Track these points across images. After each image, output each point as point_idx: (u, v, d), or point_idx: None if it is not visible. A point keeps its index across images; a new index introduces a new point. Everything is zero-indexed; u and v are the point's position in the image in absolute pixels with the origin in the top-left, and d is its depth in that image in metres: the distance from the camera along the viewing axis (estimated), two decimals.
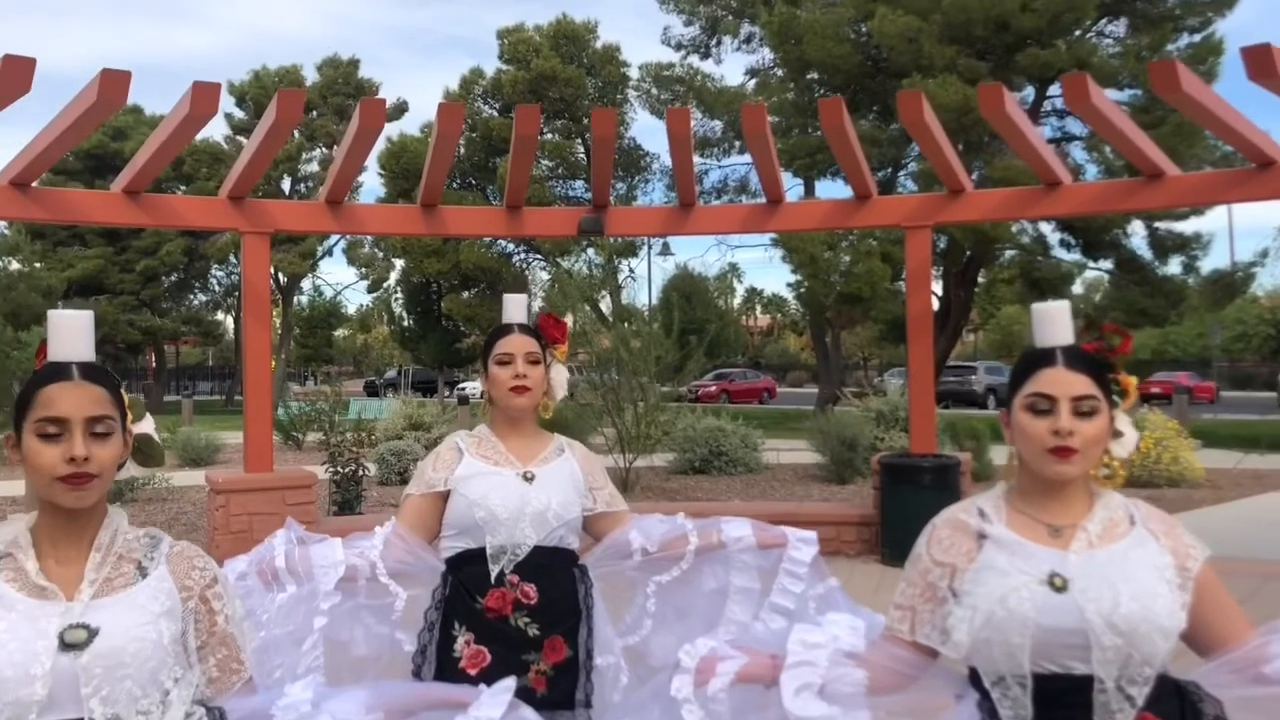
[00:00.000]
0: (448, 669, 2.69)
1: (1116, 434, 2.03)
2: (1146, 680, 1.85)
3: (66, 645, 1.70)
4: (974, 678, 1.99)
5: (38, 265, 38.02)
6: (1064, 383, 1.95)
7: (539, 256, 36.46)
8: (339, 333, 59.22)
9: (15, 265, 37.81)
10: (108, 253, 38.85)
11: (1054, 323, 2.05)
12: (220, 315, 48.12)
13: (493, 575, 2.74)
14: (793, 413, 29.58)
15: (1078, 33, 23.37)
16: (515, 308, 3.02)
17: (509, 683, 1.98)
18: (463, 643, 2.73)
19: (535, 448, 2.92)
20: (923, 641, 2.04)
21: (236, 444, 14.82)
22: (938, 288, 30.83)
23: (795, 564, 2.94)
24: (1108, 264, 26.93)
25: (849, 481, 13.80)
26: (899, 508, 8.23)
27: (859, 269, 25.65)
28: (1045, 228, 26.43)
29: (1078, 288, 47.58)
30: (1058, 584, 1.89)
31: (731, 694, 2.05)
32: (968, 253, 26.20)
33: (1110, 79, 22.00)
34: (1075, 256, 27.08)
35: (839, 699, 2.00)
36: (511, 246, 36.02)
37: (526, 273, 37.03)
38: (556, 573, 2.80)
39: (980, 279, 28.92)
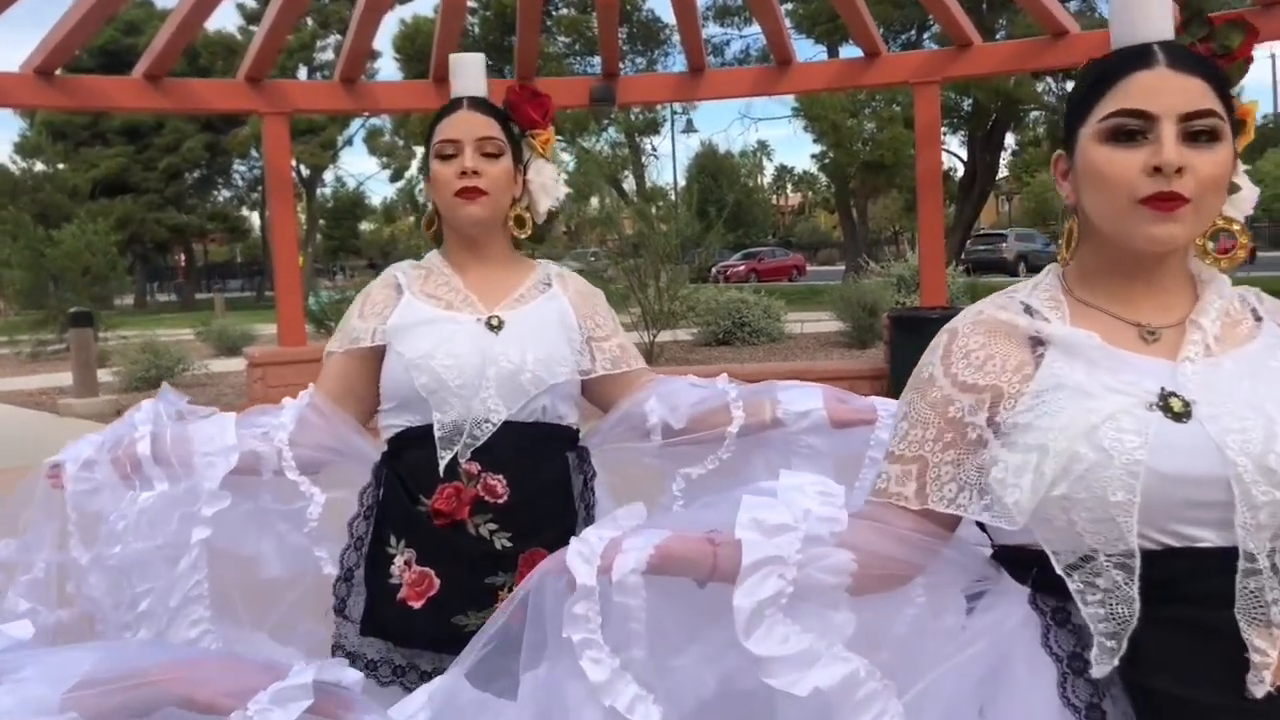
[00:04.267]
0: (382, 602, 1.92)
1: (1233, 187, 1.36)
2: None
3: None
4: (1013, 561, 1.33)
5: (61, 166, 38.31)
6: (1168, 91, 1.24)
7: (559, 137, 36.24)
8: (364, 225, 59.46)
9: (40, 166, 38.13)
10: (129, 151, 38.97)
11: (1144, 6, 1.31)
12: (245, 211, 48.41)
13: (441, 465, 1.90)
14: (820, 288, 29.70)
15: None
16: (466, 73, 2.10)
17: (308, 674, 1.15)
18: (401, 563, 1.92)
19: (507, 282, 2.06)
20: (939, 509, 1.33)
21: (269, 335, 15.22)
22: (963, 152, 30.51)
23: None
24: None
25: (870, 346, 14.03)
26: (908, 361, 8.44)
27: (882, 136, 25.45)
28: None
29: None
30: (1176, 408, 1.22)
31: (652, 590, 1.29)
32: (993, 116, 25.85)
33: None
34: None
35: (814, 595, 1.27)
36: None
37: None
38: (539, 458, 1.97)
39: (1010, 144, 28.60)
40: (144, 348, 14.32)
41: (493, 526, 1.90)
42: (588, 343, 2.08)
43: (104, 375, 13.97)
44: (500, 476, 1.91)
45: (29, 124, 38.41)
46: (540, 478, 1.96)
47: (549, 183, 2.12)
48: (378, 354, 2.00)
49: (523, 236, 2.11)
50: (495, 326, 1.98)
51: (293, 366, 8.24)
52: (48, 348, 21.35)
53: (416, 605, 1.89)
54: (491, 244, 2.07)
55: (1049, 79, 24.53)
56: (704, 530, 1.32)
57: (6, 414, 12.47)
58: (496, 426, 1.92)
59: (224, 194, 46.51)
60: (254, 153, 41.02)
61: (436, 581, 1.90)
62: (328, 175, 47.29)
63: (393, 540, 1.94)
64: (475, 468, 1.91)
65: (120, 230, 30.11)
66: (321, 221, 48.52)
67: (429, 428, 1.92)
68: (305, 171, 42.89)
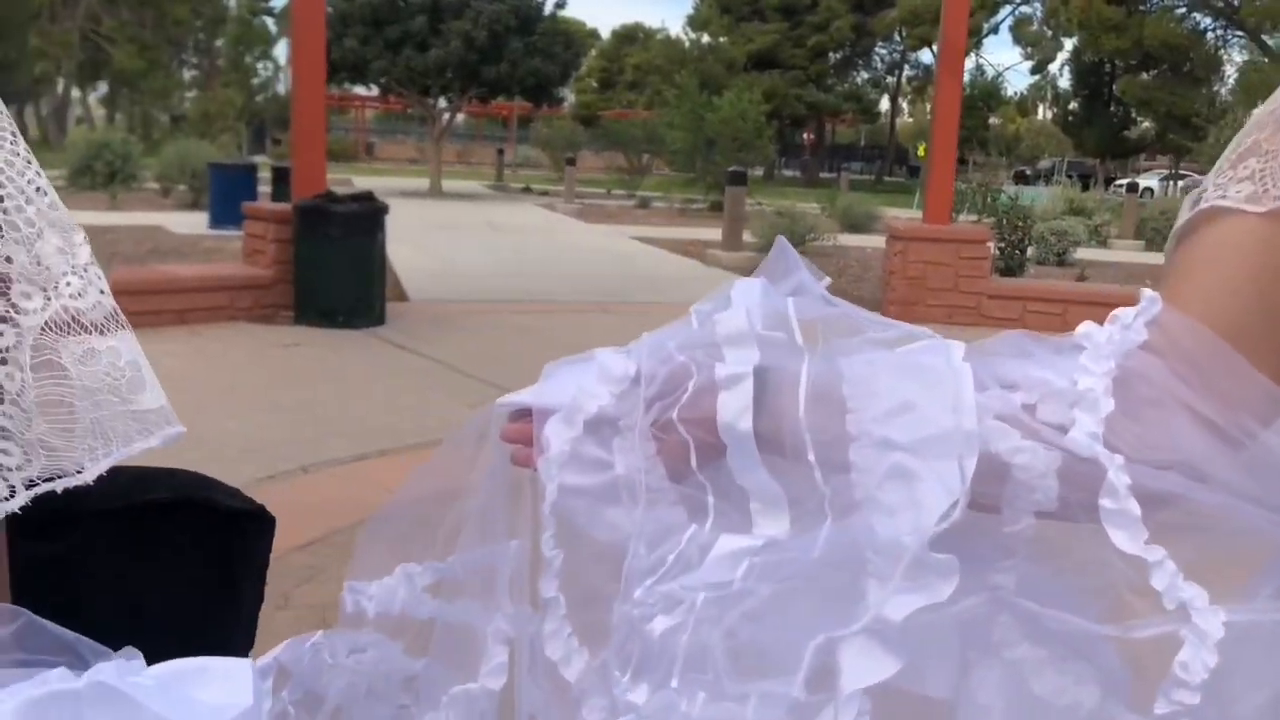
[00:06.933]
0: None
1: None
2: None
3: None
4: None
5: (722, 39, 41.53)
6: None
7: (1239, 34, 31.75)
8: (994, 120, 57.57)
9: (705, 39, 41.69)
10: (783, 28, 41.04)
11: None
12: (876, 95, 49.11)
13: None
14: None
15: None
16: None
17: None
18: None
19: None
20: None
21: (891, 217, 15.25)
22: None
23: None
24: None
25: None
26: None
27: None
28: None
29: None
30: None
31: None
32: None
33: None
34: None
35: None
36: (1207, 21, 31.74)
37: (1221, 52, 32.58)
38: None
39: None
40: (781, 212, 15.14)
41: None
42: None
43: (744, 235, 15.05)
44: None
45: None
46: None
47: None
48: None
49: None
50: None
51: (935, 244, 8.08)
52: (692, 204, 23.61)
53: None
54: None
55: None
56: None
57: (660, 257, 13.93)
58: None
59: (862, 76, 47.48)
60: (896, 36, 41.19)
61: None
62: (966, 63, 46.33)
63: None
64: None
65: (765, 103, 32.02)
66: None
67: None
68: None
